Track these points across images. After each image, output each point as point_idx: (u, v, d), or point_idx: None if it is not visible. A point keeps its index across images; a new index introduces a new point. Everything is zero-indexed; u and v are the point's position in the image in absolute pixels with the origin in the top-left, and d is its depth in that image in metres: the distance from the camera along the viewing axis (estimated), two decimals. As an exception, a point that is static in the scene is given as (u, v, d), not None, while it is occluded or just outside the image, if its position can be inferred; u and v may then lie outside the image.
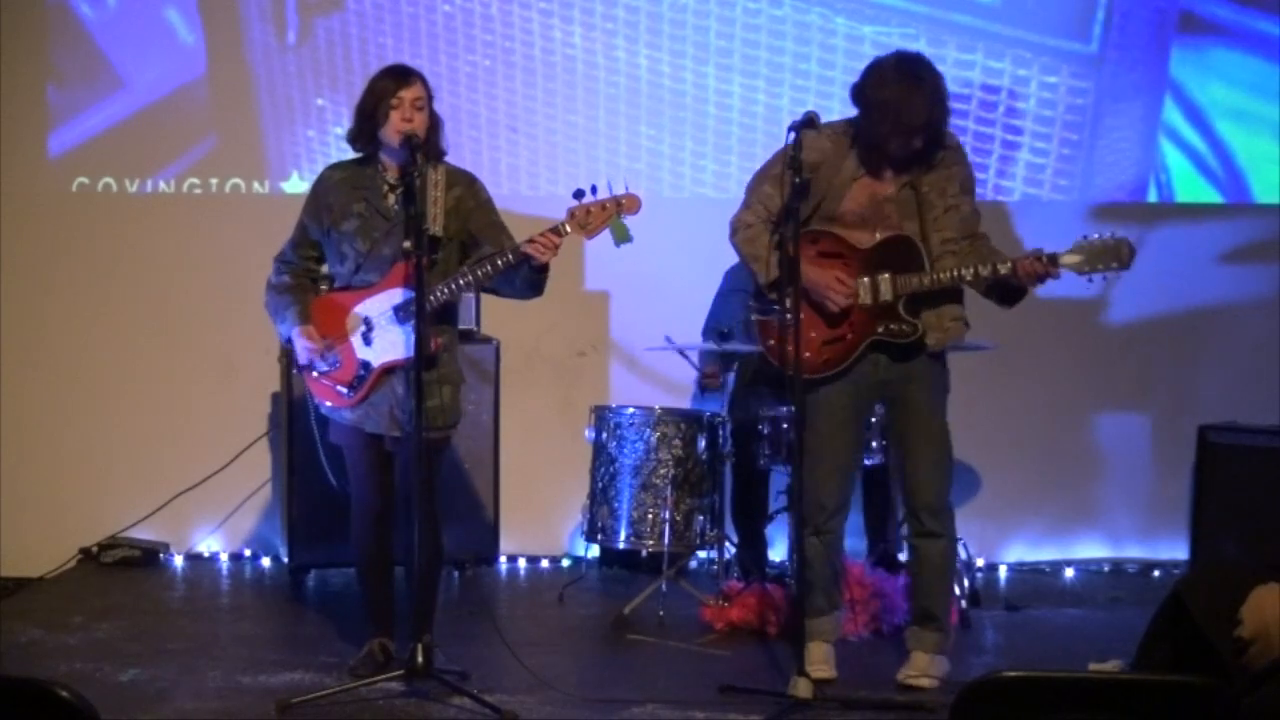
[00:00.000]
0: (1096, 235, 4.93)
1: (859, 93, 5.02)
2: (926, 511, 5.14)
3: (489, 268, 4.94)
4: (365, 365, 5.07)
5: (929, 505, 5.13)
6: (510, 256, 4.91)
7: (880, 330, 5.03)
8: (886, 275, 5.00)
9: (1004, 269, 4.92)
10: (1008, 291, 5.03)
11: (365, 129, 5.04)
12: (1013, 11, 7.05)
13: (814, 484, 5.11)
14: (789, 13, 7.05)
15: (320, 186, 5.18)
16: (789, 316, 4.91)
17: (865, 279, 5.02)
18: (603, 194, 4.90)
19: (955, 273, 4.97)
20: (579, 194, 4.90)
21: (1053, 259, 4.90)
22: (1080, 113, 7.10)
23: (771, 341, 5.14)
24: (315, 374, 5.16)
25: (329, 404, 5.18)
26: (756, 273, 5.07)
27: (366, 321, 5.05)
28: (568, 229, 4.89)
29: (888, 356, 5.10)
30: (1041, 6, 7.07)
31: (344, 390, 5.11)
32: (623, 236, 4.91)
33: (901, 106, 4.90)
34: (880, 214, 5.04)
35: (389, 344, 5.03)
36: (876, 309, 5.03)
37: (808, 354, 5.03)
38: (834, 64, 7.03)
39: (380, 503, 5.19)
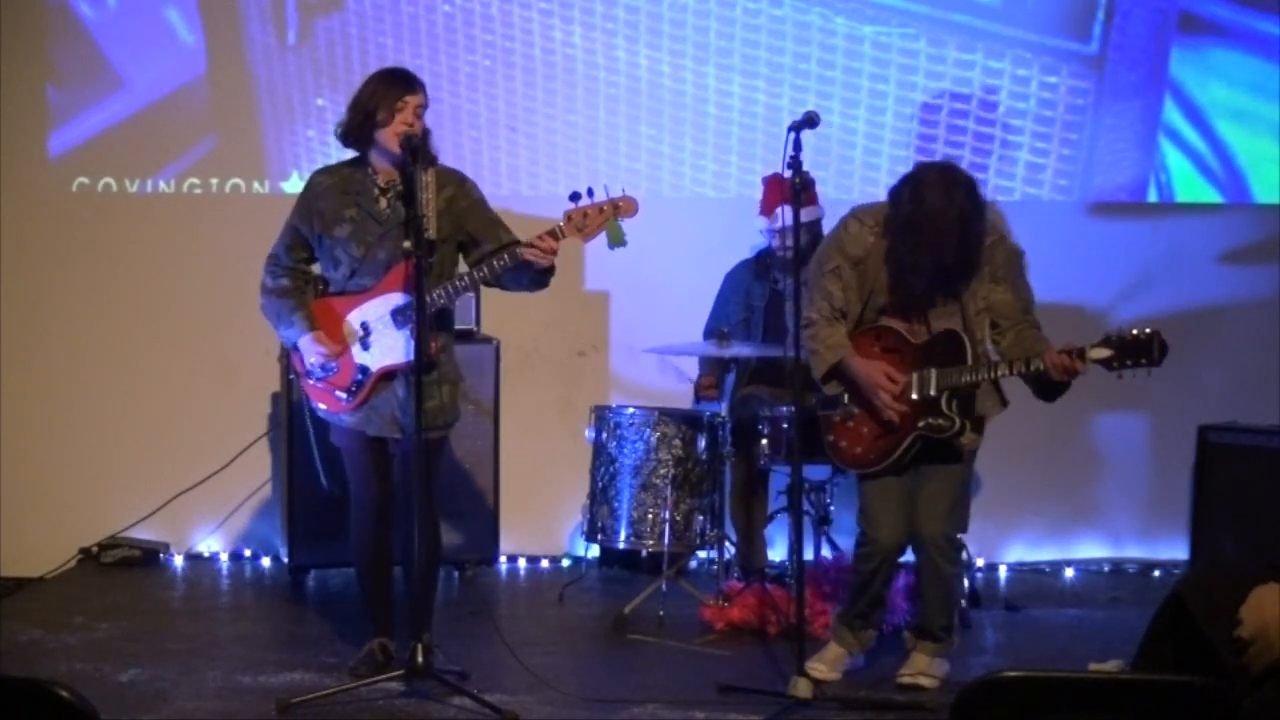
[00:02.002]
0: (1131, 330, 4.82)
1: (894, 197, 5.03)
2: (933, 546, 5.15)
3: (485, 271, 4.95)
4: (363, 370, 5.06)
5: (934, 541, 5.15)
6: (507, 259, 4.91)
7: (921, 425, 5.04)
8: (933, 370, 5.02)
9: (1035, 365, 4.89)
10: (1046, 386, 4.98)
11: (363, 128, 5.01)
12: (1013, 11, 7.04)
13: (870, 530, 5.15)
14: (789, 13, 7.04)
15: (310, 192, 5.16)
16: (851, 410, 5.09)
17: (915, 374, 5.04)
18: (599, 197, 4.89)
19: (993, 373, 4.97)
20: (575, 197, 4.89)
21: (1080, 354, 4.83)
22: (1080, 113, 7.10)
23: (830, 438, 5.21)
24: (312, 379, 5.15)
25: (324, 408, 5.17)
26: (812, 366, 5.10)
27: (364, 326, 5.04)
28: (564, 232, 4.88)
29: (922, 462, 5.12)
30: (1041, 6, 7.07)
31: (341, 395, 5.10)
32: (618, 240, 4.91)
33: (928, 227, 4.89)
34: (920, 309, 5.07)
35: (387, 348, 5.02)
36: (922, 403, 5.04)
37: (859, 449, 5.12)
38: (834, 64, 7.03)
39: (380, 503, 5.18)
